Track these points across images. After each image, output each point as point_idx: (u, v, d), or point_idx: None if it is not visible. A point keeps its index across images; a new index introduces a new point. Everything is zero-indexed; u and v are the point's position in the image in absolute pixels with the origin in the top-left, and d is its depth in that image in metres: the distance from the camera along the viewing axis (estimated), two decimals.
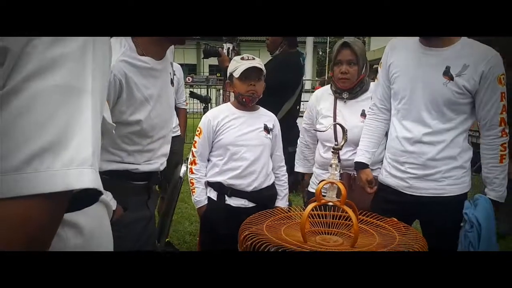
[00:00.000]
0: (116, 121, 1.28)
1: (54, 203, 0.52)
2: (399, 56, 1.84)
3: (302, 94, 3.16)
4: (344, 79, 2.15)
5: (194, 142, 2.16)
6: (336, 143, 2.09)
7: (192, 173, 2.14)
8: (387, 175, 1.91)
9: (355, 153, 2.14)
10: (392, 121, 1.92)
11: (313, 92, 3.90)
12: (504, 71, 1.73)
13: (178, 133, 3.21)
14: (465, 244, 1.74)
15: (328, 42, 16.96)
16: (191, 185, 2.15)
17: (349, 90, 2.18)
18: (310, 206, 1.40)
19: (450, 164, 1.77)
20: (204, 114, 2.29)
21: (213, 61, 3.12)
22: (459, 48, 1.71)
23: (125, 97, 1.36)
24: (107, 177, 0.59)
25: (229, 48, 3.09)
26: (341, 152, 2.11)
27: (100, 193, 0.57)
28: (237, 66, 2.05)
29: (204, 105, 4.29)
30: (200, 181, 2.13)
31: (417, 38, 1.79)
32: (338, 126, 2.16)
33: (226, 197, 2.11)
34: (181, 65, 3.55)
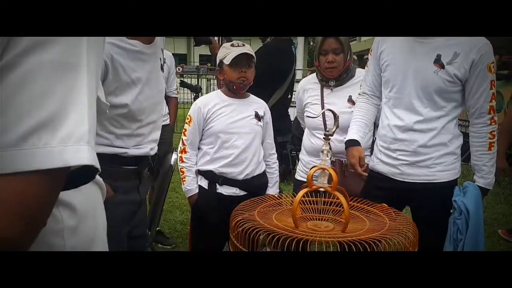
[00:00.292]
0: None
1: (51, 179, 0.52)
2: (390, 44, 1.84)
3: (294, 83, 3.14)
4: (331, 68, 2.14)
5: (184, 130, 2.13)
6: (327, 129, 2.09)
7: (183, 161, 2.12)
8: (378, 162, 1.92)
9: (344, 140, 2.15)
10: (383, 109, 1.93)
11: None
12: (494, 59, 1.74)
13: (168, 122, 3.19)
14: (453, 230, 1.76)
15: None
16: (181, 173, 2.13)
17: (335, 77, 2.18)
18: (301, 192, 1.40)
19: (441, 150, 1.79)
20: None
21: (204, 50, 3.11)
22: (450, 37, 1.72)
23: (111, 78, 1.35)
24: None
25: None
26: (331, 139, 2.11)
27: (96, 171, 0.57)
28: (227, 53, 2.04)
29: (194, 94, 4.27)
30: (190, 170, 2.11)
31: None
32: (327, 113, 2.17)
33: (218, 186, 2.10)
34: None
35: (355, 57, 2.51)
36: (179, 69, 6.88)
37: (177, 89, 3.39)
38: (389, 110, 1.86)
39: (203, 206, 2.11)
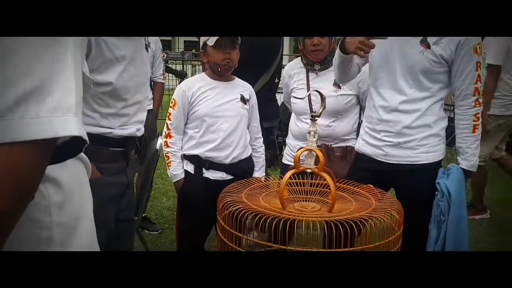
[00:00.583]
0: None
1: (40, 150, 0.52)
2: None
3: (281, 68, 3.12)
4: (317, 50, 2.14)
5: (168, 114, 2.10)
6: (314, 110, 2.09)
7: (168, 146, 2.09)
8: (364, 143, 1.93)
9: (331, 123, 2.15)
10: (369, 91, 1.94)
11: None
12: (480, 40, 1.75)
13: (151, 106, 3.15)
14: (437, 212, 1.79)
15: None
16: (166, 158, 2.10)
17: (321, 61, 2.18)
18: (288, 173, 1.41)
19: (425, 132, 1.80)
20: None
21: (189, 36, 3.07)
22: None
23: (94, 55, 1.33)
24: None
25: None
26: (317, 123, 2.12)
27: (84, 143, 0.57)
28: None
29: (179, 80, 4.23)
30: (176, 155, 2.09)
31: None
32: (313, 98, 2.17)
33: (204, 170, 2.09)
34: None
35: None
36: (163, 56, 6.80)
37: (163, 74, 3.34)
38: (375, 90, 1.87)
39: (190, 191, 2.10)
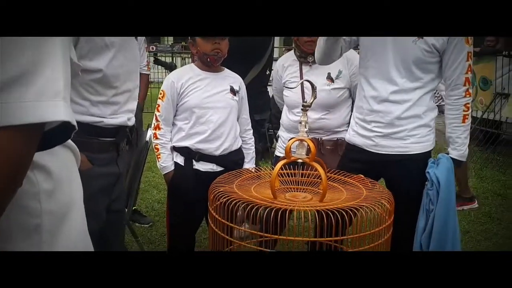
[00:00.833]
0: None
1: (26, 136, 0.51)
2: None
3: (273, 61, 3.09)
4: (311, 41, 2.13)
5: (157, 105, 2.07)
6: (305, 100, 2.09)
7: (157, 138, 2.07)
8: (354, 134, 1.94)
9: (323, 116, 2.15)
10: (360, 81, 1.93)
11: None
12: None
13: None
14: (426, 201, 1.80)
15: None
16: (156, 151, 2.08)
17: (314, 53, 2.17)
18: (280, 163, 1.41)
19: (415, 122, 1.81)
20: None
21: None
22: None
23: (83, 41, 1.31)
24: (74, 133, 0.58)
25: None
26: (308, 117, 2.11)
27: (73, 128, 0.56)
28: None
29: (169, 72, 4.20)
30: (165, 147, 2.07)
31: None
32: (306, 90, 2.16)
33: (194, 162, 2.08)
34: None
35: None
36: (152, 48, 6.75)
37: (147, 65, 3.30)
38: (366, 81, 1.87)
39: (180, 183, 2.09)
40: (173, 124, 2.09)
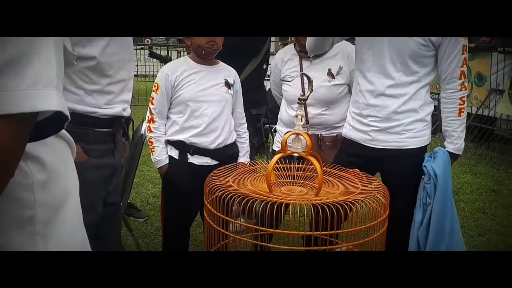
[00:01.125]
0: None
1: (18, 125, 0.50)
2: None
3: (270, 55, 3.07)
4: None
5: (151, 98, 2.05)
6: (302, 93, 2.08)
7: (151, 131, 2.05)
8: (351, 128, 1.94)
9: (323, 112, 2.14)
10: (355, 75, 1.93)
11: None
12: None
13: None
14: (423, 195, 1.81)
15: None
16: (150, 144, 2.06)
17: None
18: (275, 157, 1.41)
19: (411, 117, 1.81)
20: None
21: None
22: None
23: None
24: (69, 123, 0.57)
25: None
26: (309, 113, 2.11)
27: (66, 118, 0.55)
28: None
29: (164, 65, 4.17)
30: (159, 140, 2.05)
31: None
32: (306, 85, 2.15)
33: (189, 156, 2.06)
34: None
35: None
36: (147, 41, 6.71)
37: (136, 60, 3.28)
38: (362, 75, 1.87)
39: (174, 177, 2.07)
40: (167, 118, 2.08)
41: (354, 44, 1.98)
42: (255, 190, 1.37)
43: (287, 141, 1.46)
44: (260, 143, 4.16)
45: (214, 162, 2.06)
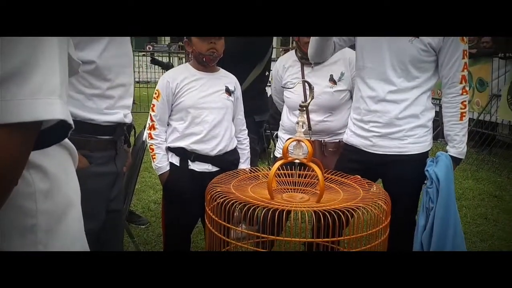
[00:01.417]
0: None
1: (22, 134, 0.50)
2: None
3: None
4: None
5: (152, 105, 2.06)
6: (302, 100, 2.08)
7: (152, 138, 2.05)
8: (352, 134, 1.94)
9: (326, 118, 2.14)
10: (356, 82, 1.94)
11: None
12: None
13: None
14: (426, 200, 1.80)
15: None
16: (151, 151, 2.06)
17: None
18: (277, 164, 1.40)
19: (413, 122, 1.81)
20: None
21: None
22: None
23: None
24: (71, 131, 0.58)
25: None
26: (311, 119, 2.11)
27: (70, 127, 0.55)
28: None
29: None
30: (160, 147, 2.05)
31: None
32: (307, 92, 2.15)
33: (190, 162, 2.06)
34: None
35: None
36: (149, 48, 6.73)
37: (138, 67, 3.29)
38: (362, 81, 1.87)
39: (175, 184, 2.07)
40: (168, 124, 2.08)
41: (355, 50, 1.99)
42: (256, 197, 1.37)
43: (289, 148, 1.46)
44: (262, 149, 4.16)
45: (215, 169, 2.06)
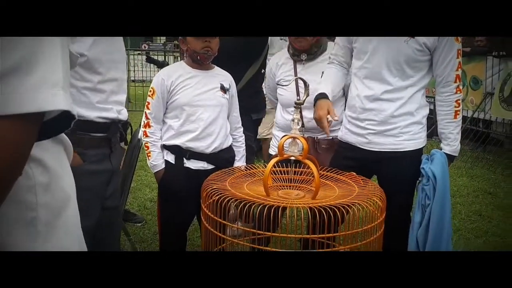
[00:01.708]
0: None
1: (27, 124, 0.51)
2: None
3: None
4: (301, 38, 2.12)
5: (147, 103, 2.06)
6: (298, 97, 2.08)
7: (147, 136, 2.05)
8: (347, 132, 1.95)
9: None
10: (352, 80, 1.94)
11: None
12: None
13: None
14: (422, 197, 1.82)
15: None
16: (146, 149, 2.06)
17: (306, 50, 2.15)
18: (273, 161, 1.41)
19: (408, 120, 1.83)
20: None
21: None
22: None
23: None
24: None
25: None
26: (304, 116, 2.12)
27: (73, 118, 0.56)
28: None
29: None
30: (155, 145, 2.05)
31: None
32: (301, 89, 2.16)
33: (185, 160, 2.06)
34: None
35: None
36: (145, 46, 6.72)
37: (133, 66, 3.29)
38: (359, 80, 1.88)
39: (171, 181, 2.07)
40: (163, 122, 2.08)
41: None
42: (252, 194, 1.37)
43: (284, 145, 1.46)
44: (258, 147, 4.16)
45: (210, 167, 2.06)
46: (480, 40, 5.36)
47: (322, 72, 2.13)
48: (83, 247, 0.74)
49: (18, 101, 0.49)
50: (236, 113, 2.21)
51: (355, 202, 1.32)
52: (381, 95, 1.81)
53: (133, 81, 8.36)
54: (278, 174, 1.63)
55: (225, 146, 2.11)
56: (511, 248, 2.83)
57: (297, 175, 1.63)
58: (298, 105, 1.49)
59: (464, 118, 4.78)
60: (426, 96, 1.95)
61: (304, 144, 1.41)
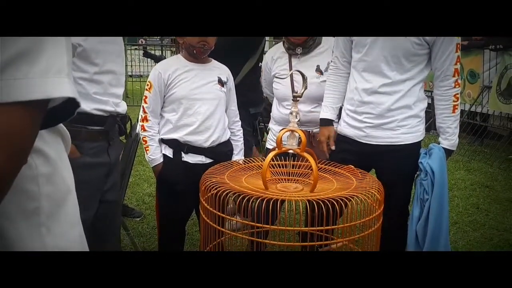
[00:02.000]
0: None
1: (33, 112, 0.51)
2: None
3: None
4: None
5: (144, 97, 2.05)
6: (296, 91, 2.09)
7: (144, 130, 2.04)
8: (345, 125, 1.95)
9: (313, 109, 2.15)
10: (351, 73, 1.94)
11: None
12: None
13: None
14: (420, 191, 1.82)
15: None
16: (144, 143, 2.05)
17: (302, 44, 2.15)
18: (271, 154, 1.41)
19: (405, 113, 1.83)
20: None
21: None
22: None
23: None
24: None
25: None
26: (299, 110, 2.12)
27: (77, 105, 0.56)
28: None
29: None
30: (153, 139, 2.04)
31: None
32: (296, 83, 2.17)
33: (183, 154, 2.06)
34: None
35: None
36: (142, 41, 6.69)
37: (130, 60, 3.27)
38: (358, 73, 1.88)
39: (169, 175, 2.07)
40: (161, 116, 2.08)
41: None
42: (250, 187, 1.38)
43: (282, 138, 1.47)
44: (256, 141, 4.16)
45: (208, 160, 2.05)
46: None
47: (317, 66, 2.13)
48: (84, 240, 0.74)
49: (25, 88, 0.49)
50: (234, 106, 2.20)
51: (353, 195, 1.33)
52: (379, 88, 1.81)
53: (131, 76, 8.33)
54: (277, 168, 1.63)
55: (223, 139, 2.11)
56: (507, 241, 2.85)
57: (295, 168, 1.63)
58: (296, 98, 1.49)
59: (462, 112, 4.79)
60: (424, 90, 1.95)
61: (302, 137, 1.41)
